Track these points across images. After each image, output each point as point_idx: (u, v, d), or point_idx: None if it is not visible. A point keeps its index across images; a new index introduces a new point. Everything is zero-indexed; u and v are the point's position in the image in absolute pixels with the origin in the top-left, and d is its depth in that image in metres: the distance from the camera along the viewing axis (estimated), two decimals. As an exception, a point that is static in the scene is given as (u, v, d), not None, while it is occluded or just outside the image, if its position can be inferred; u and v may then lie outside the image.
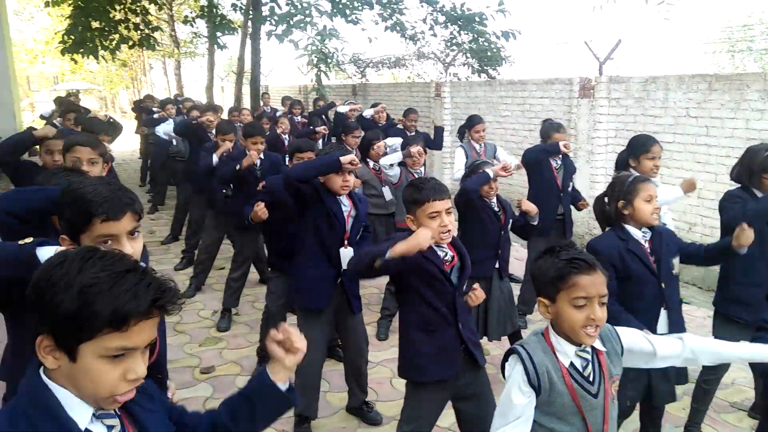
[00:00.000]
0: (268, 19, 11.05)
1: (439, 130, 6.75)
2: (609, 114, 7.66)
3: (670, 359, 1.89)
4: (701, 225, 6.67)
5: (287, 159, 4.55)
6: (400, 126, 6.84)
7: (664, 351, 1.86)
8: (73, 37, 11.27)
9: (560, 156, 4.70)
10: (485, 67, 12.22)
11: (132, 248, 1.59)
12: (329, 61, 9.45)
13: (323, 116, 8.49)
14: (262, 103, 11.49)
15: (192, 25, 16.35)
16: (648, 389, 2.64)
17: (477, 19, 12.10)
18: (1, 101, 13.20)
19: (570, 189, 4.86)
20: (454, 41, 12.24)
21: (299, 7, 10.41)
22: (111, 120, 5.04)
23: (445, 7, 12.35)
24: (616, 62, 7.94)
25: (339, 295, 3.18)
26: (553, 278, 1.73)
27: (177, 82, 23.21)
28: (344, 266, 3.10)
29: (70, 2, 11.97)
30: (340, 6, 10.49)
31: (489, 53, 11.90)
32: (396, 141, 5.33)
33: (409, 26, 12.51)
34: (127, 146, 16.99)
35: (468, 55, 11.95)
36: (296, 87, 17.76)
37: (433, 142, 6.62)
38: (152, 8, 13.52)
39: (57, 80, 36.67)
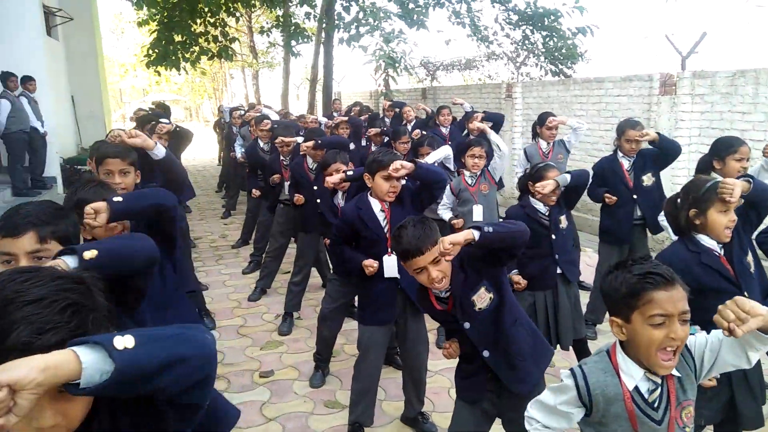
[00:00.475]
0: (339, 25, 11.16)
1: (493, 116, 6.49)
2: (692, 111, 7.16)
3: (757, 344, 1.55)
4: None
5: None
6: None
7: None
8: (157, 51, 11.88)
9: (634, 155, 4.40)
10: (560, 66, 11.78)
11: None
12: (397, 65, 9.41)
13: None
14: (333, 109, 11.62)
15: (268, 35, 16.84)
16: (730, 410, 2.39)
17: (551, 17, 11.68)
18: (93, 113, 14.15)
19: (651, 185, 4.45)
20: (526, 41, 11.88)
21: (368, 12, 10.42)
22: (178, 128, 5.20)
23: (517, 6, 12.03)
24: (701, 56, 7.40)
25: (401, 301, 3.11)
26: (625, 295, 1.56)
27: (255, 92, 23.99)
28: (390, 275, 3.03)
29: (156, 19, 12.65)
30: (408, 8, 10.42)
31: (564, 51, 11.46)
32: (444, 152, 5.06)
33: (482, 27, 12.26)
34: (207, 153, 17.75)
35: (541, 54, 11.56)
36: (368, 92, 17.90)
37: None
38: (230, 20, 14.03)
39: (145, 92, 38.90)
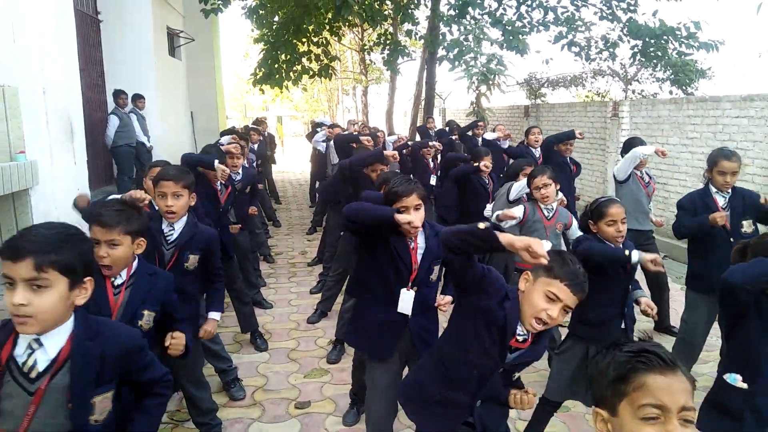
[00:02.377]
0: (440, 44, 11.02)
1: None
2: (827, 136, 6.19)
3: None
4: None
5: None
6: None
7: None
8: (263, 70, 12.41)
9: (728, 190, 3.80)
10: (680, 84, 10.79)
11: (23, 299, 1.48)
12: (491, 82, 9.06)
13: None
14: (427, 127, 11.47)
15: (369, 53, 17.08)
16: None
17: (668, 36, 10.75)
18: (209, 127, 15.13)
19: (751, 233, 3.83)
20: (638, 56, 11.02)
21: (471, 33, 10.18)
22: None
23: (632, 19, 11.21)
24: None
25: (406, 339, 2.85)
26: (613, 379, 1.25)
27: (363, 107, 24.47)
28: (403, 310, 2.77)
29: (264, 38, 13.26)
30: (511, 31, 10.04)
31: (684, 67, 10.49)
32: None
33: (588, 43, 11.55)
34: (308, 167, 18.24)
35: (657, 69, 10.65)
36: (471, 109, 17.58)
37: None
38: (333, 39, 14.37)
39: (267, 108, 41.18)
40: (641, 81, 11.19)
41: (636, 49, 11.03)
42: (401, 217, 2.52)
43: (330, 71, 12.95)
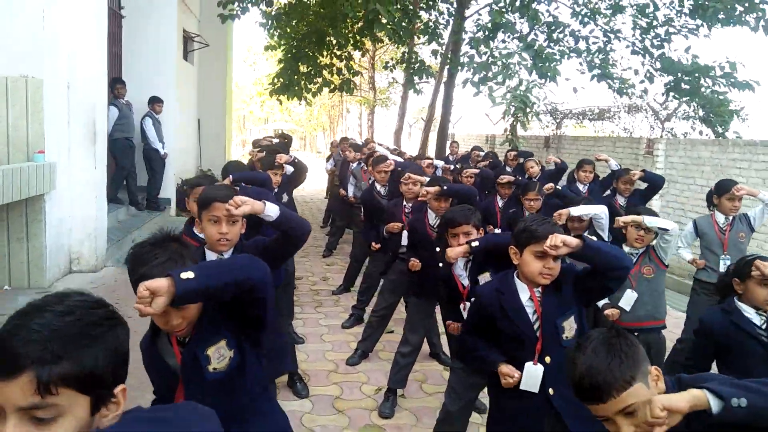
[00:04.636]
0: (466, 66, 10.63)
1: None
2: None
3: None
4: None
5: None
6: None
7: None
8: (282, 80, 11.95)
9: None
10: (713, 124, 10.49)
11: None
12: (529, 110, 8.67)
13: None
14: (449, 152, 11.04)
15: (391, 71, 16.76)
16: None
17: (703, 73, 10.47)
18: (217, 135, 14.62)
19: None
20: (672, 93, 10.72)
21: (498, 56, 9.82)
22: (296, 161, 4.82)
23: (665, 54, 10.94)
24: None
25: (549, 426, 2.33)
26: None
27: (369, 127, 24.09)
28: (528, 387, 2.28)
29: (283, 48, 12.83)
30: (543, 57, 9.70)
31: (717, 107, 10.19)
32: (597, 210, 4.17)
33: (620, 77, 11.25)
34: (316, 185, 17.76)
35: (691, 107, 10.35)
36: (483, 136, 17.22)
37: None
38: (356, 54, 14.00)
39: (267, 120, 40.71)
40: (673, 119, 10.86)
41: (669, 86, 10.73)
42: (506, 370, 2.28)
43: (353, 86, 12.53)
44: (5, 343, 0.93)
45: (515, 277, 2.35)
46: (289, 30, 11.94)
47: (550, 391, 2.26)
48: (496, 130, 16.59)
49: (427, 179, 4.45)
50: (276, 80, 11.82)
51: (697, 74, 10.13)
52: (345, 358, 4.85)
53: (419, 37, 12.90)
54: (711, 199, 4.58)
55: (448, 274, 3.16)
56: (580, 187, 6.11)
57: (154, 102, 8.48)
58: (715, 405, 1.29)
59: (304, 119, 40.10)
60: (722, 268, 4.42)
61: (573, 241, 2.11)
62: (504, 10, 10.14)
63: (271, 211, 2.24)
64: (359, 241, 6.70)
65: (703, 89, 10.37)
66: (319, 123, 39.37)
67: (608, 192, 6.00)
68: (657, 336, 3.50)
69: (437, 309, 4.18)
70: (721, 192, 4.43)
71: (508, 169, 7.52)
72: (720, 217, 4.46)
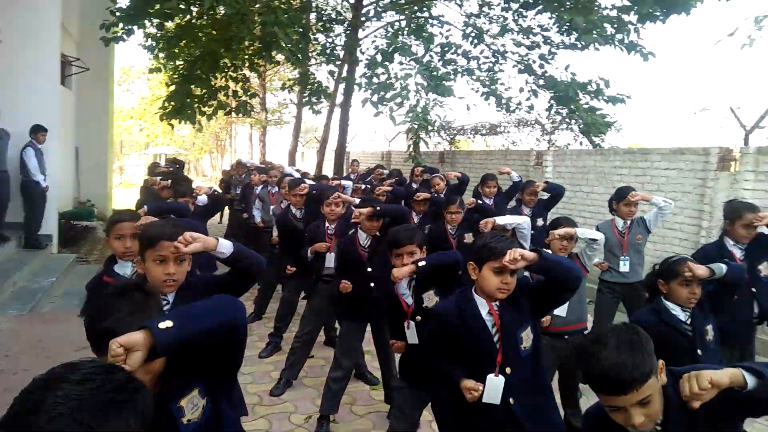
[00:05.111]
0: (364, 87, 10.79)
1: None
2: (755, 189, 6.58)
3: None
4: None
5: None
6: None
7: None
8: (173, 103, 11.41)
9: (747, 242, 3.73)
10: (590, 135, 11.36)
11: None
12: (430, 128, 8.93)
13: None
14: (350, 170, 11.07)
15: (290, 91, 16.61)
16: None
17: (580, 89, 11.35)
18: (98, 164, 13.62)
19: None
20: (555, 108, 11.52)
21: (396, 78, 10.08)
22: (215, 192, 4.62)
23: (546, 72, 11.72)
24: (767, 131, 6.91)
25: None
26: None
27: (261, 149, 23.67)
28: (490, 399, 2.30)
29: (171, 70, 12.27)
30: (437, 77, 10.07)
31: (595, 120, 11.08)
32: (520, 219, 4.36)
33: (507, 95, 11.94)
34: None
35: (573, 121, 11.16)
36: (379, 153, 17.48)
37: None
38: (252, 76, 13.71)
39: (147, 146, 38.62)
40: (557, 132, 11.64)
41: (551, 102, 11.50)
42: (469, 385, 2.29)
43: (249, 108, 12.22)
44: (28, 423, 0.83)
45: (473, 292, 2.38)
46: (178, 52, 11.45)
47: (511, 401, 2.29)
48: (392, 147, 16.94)
49: (357, 201, 4.42)
50: (167, 104, 11.27)
51: (578, 90, 10.94)
52: (268, 389, 4.66)
53: (315, 59, 12.90)
54: (611, 204, 4.92)
55: (392, 294, 3.13)
56: (486, 201, 6.34)
57: (37, 131, 7.78)
58: (750, 381, 1.43)
59: (188, 142, 38.51)
60: (623, 269, 4.75)
61: (530, 254, 2.17)
62: (399, 32, 10.42)
63: (225, 247, 2.09)
64: (267, 267, 6.49)
65: (582, 104, 11.21)
66: (206, 146, 37.99)
67: (513, 203, 6.27)
68: (582, 338, 3.68)
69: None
70: (620, 198, 4.79)
71: (414, 185, 7.66)
72: (619, 222, 4.80)
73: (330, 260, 4.54)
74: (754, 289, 3.64)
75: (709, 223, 7.05)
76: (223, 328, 1.52)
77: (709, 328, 2.69)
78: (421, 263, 2.85)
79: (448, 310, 2.40)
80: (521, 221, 3.85)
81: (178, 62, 11.61)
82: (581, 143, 11.78)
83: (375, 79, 10.57)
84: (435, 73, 10.34)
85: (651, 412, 1.48)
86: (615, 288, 4.78)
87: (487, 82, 11.59)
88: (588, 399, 3.95)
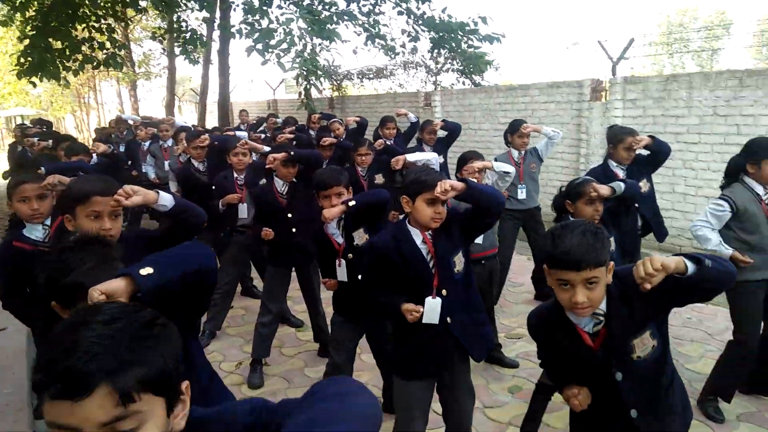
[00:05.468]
0: (246, 34, 10.36)
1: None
2: (624, 116, 7.30)
3: None
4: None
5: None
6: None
7: None
8: (31, 59, 10.27)
9: (628, 163, 4.19)
10: (471, 74, 11.80)
11: None
12: (319, 73, 8.82)
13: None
14: (240, 121, 10.74)
15: (161, 41, 15.47)
16: None
17: (457, 28, 11.68)
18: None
19: (648, 191, 4.27)
20: (437, 49, 11.80)
21: (278, 23, 9.77)
22: (114, 151, 4.37)
23: (425, 14, 11.91)
24: (632, 62, 7.58)
25: (450, 349, 2.58)
26: None
27: (132, 104, 22.06)
28: (429, 320, 2.48)
29: (22, 23, 11.01)
30: (320, 21, 9.89)
31: (474, 59, 11.50)
32: (429, 156, 4.59)
33: (390, 38, 12.01)
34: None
35: (455, 61, 11.51)
36: (264, 102, 17.01)
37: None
38: (119, 26, 12.63)
39: (-1, 106, 34.60)
40: (445, 71, 11.98)
41: (433, 43, 11.77)
42: (409, 307, 2.44)
43: (120, 61, 11.28)
44: (66, 363, 0.83)
45: (408, 224, 2.53)
46: (26, 1, 10.22)
47: (448, 320, 2.50)
48: (277, 96, 16.52)
49: (267, 148, 4.37)
50: (23, 60, 10.12)
51: (459, 31, 11.25)
52: (193, 344, 4.63)
53: (185, 5, 12.10)
54: (507, 137, 5.27)
55: (318, 236, 3.21)
56: (388, 141, 6.49)
57: None
58: (690, 267, 1.65)
59: (45, 102, 34.91)
60: (521, 196, 5.16)
61: (458, 184, 2.35)
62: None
63: (165, 200, 2.06)
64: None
65: (463, 44, 11.58)
66: (67, 104, 34.65)
67: (414, 143, 6.49)
68: (495, 261, 4.01)
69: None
70: (513, 131, 5.14)
71: (311, 132, 7.64)
72: (515, 153, 5.17)
73: (243, 211, 4.51)
74: (636, 205, 4.13)
75: (587, 150, 7.74)
76: (197, 273, 1.56)
77: (611, 240, 3.07)
78: (352, 203, 2.96)
79: (386, 243, 2.54)
80: (430, 157, 4.05)
81: (28, 13, 10.38)
82: (464, 83, 12.23)
83: (257, 26, 10.19)
84: (317, 17, 10.16)
85: (593, 296, 1.70)
86: (515, 215, 5.18)
87: (368, 26, 11.58)
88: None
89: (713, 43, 30.67)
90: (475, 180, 3.77)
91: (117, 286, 1.36)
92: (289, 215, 3.90)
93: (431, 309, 2.48)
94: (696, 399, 3.37)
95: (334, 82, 13.34)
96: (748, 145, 3.31)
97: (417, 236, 2.51)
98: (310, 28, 9.76)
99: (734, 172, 3.38)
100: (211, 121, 16.69)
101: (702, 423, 3.23)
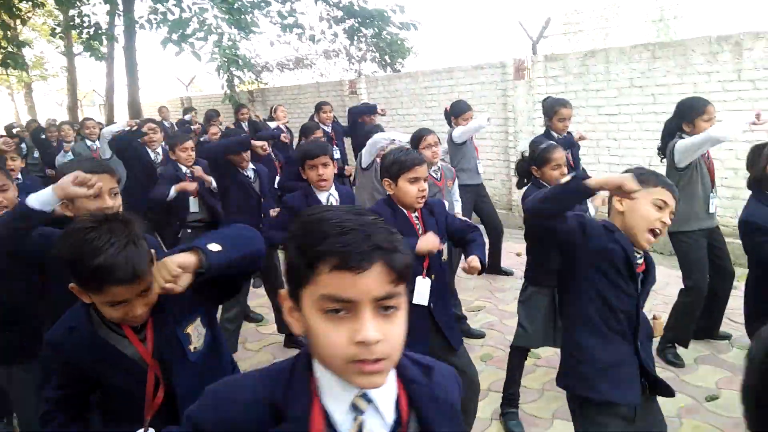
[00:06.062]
0: (154, 25, 9.89)
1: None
2: (548, 93, 7.60)
3: None
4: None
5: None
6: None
7: None
8: None
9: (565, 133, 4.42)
10: (390, 62, 11.89)
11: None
12: (241, 63, 8.56)
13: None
14: (160, 118, 10.27)
15: (62, 38, 14.45)
16: None
17: (376, 15, 11.72)
18: None
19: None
20: (357, 36, 11.79)
21: (192, 12, 9.40)
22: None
23: (341, 1, 11.86)
24: (552, 40, 7.93)
25: (432, 335, 2.60)
26: None
27: (29, 108, 20.52)
28: (419, 301, 2.52)
29: None
30: (236, 10, 9.61)
31: (393, 46, 11.60)
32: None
33: (309, 26, 11.87)
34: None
35: (373, 49, 11.56)
36: (177, 99, 16.33)
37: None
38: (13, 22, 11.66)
39: None
40: (366, 59, 11.98)
41: (350, 31, 11.75)
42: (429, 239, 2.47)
43: (21, 60, 10.43)
44: (347, 238, 0.87)
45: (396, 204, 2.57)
46: None
47: (432, 305, 2.55)
48: (191, 93, 15.89)
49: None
50: None
51: (376, 19, 11.28)
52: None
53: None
54: (450, 120, 5.42)
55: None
56: (325, 128, 6.45)
57: None
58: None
59: None
60: (481, 170, 5.39)
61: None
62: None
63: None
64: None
65: (379, 31, 11.63)
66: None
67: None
68: None
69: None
70: (458, 114, 5.31)
71: (244, 125, 7.45)
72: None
73: (194, 205, 4.35)
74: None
75: (515, 128, 8.03)
76: (253, 255, 1.55)
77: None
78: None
79: (385, 214, 2.51)
80: (403, 138, 4.13)
81: None
82: (384, 69, 12.30)
83: (170, 16, 9.76)
84: (233, 5, 9.87)
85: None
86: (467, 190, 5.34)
87: (286, 14, 11.38)
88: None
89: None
90: (433, 153, 3.90)
91: (190, 260, 1.36)
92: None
93: (422, 288, 2.51)
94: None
95: (252, 74, 13.01)
96: (680, 107, 3.58)
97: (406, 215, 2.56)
98: (226, 17, 9.46)
99: (671, 133, 3.63)
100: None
101: (664, 369, 3.48)
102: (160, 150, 4.89)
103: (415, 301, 2.50)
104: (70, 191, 1.77)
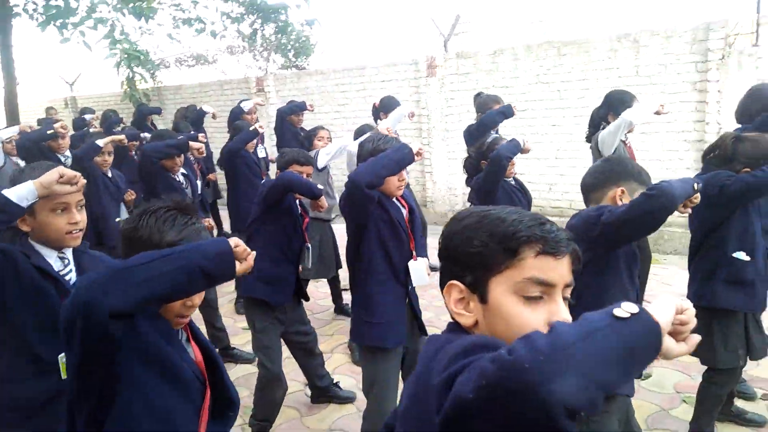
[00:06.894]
0: (35, 15, 9.05)
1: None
2: (459, 90, 7.82)
3: None
4: (561, 184, 7.16)
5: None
6: None
7: None
8: None
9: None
10: (294, 59, 11.71)
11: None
12: (142, 58, 8.02)
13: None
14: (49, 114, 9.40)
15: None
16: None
17: (279, 11, 11.49)
18: None
19: None
20: (258, 33, 11.48)
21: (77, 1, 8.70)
22: None
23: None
24: (463, 37, 8.12)
25: (409, 318, 2.62)
26: None
27: None
28: (418, 282, 2.55)
29: None
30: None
31: (297, 44, 11.43)
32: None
33: (211, 21, 11.38)
34: None
35: (276, 48, 11.31)
36: (60, 100, 15.04)
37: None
38: None
39: None
40: (269, 58, 11.66)
41: (257, 25, 11.44)
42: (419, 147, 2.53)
43: None
44: (548, 227, 0.97)
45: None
46: None
47: (410, 288, 2.58)
48: (76, 92, 14.69)
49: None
50: None
51: (279, 14, 11.05)
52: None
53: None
54: (379, 115, 5.41)
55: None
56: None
57: None
58: None
59: None
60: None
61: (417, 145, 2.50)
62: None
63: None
64: None
65: (287, 27, 11.41)
66: None
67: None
68: None
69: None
70: (387, 109, 5.30)
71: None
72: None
73: (124, 212, 4.07)
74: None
75: (428, 125, 8.14)
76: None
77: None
78: None
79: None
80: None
81: None
82: (290, 68, 12.07)
83: (53, 1, 8.95)
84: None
85: None
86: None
87: (187, 9, 10.87)
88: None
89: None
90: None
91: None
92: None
93: (417, 270, 2.51)
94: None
95: (148, 72, 12.28)
96: (610, 99, 3.78)
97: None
98: (118, 4, 8.81)
99: (597, 123, 3.82)
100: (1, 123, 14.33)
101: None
102: (68, 153, 4.45)
103: (415, 283, 2.53)
104: (54, 188, 1.65)
